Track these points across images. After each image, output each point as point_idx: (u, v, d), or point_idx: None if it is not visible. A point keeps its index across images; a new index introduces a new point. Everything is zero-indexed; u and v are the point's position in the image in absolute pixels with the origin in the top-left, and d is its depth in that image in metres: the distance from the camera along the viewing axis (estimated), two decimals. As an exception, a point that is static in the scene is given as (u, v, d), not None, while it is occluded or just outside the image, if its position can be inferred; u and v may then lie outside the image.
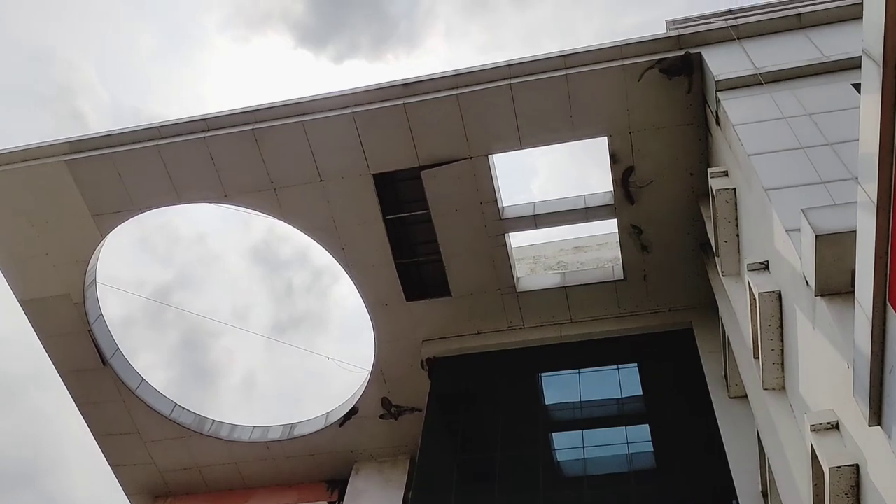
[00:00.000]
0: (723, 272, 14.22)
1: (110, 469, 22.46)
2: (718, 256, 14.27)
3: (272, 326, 47.97)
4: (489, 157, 17.30)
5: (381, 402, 20.77)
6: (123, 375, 21.13)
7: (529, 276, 20.85)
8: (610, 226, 18.72)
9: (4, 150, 18.41)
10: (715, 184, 13.77)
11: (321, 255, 38.00)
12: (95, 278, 20.11)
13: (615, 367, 18.54)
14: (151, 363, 48.49)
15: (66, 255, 19.11)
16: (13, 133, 54.01)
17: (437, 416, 19.47)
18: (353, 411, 21.00)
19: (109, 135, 17.81)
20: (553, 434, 18.47)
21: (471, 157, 17.16)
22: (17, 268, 19.41)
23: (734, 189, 13.40)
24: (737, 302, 13.39)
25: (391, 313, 19.40)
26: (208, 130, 17.41)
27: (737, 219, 13.53)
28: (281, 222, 18.57)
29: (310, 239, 18.69)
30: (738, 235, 13.63)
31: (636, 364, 18.67)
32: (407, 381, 20.32)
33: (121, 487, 22.82)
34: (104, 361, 20.66)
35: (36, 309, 19.91)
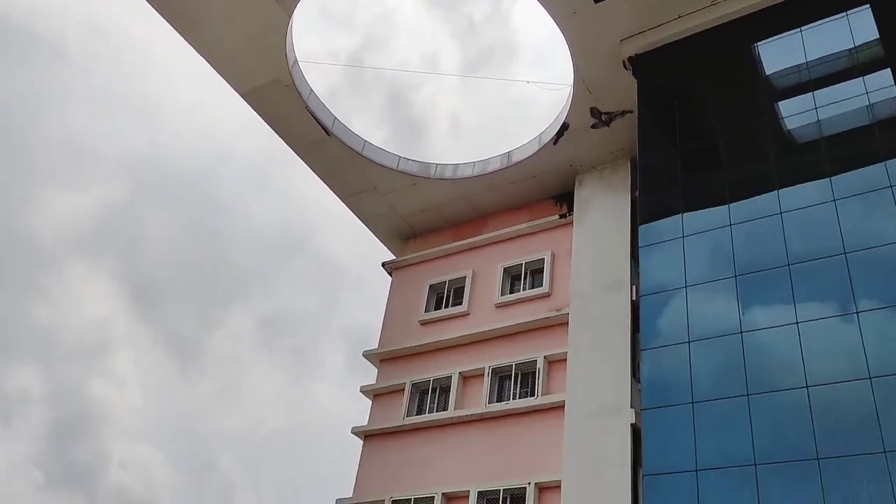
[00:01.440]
0: None
1: (362, 224, 25.19)
2: None
3: (465, 66, 48.08)
4: None
5: (589, 112, 20.65)
6: (347, 141, 22.82)
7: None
8: None
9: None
10: None
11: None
12: (296, 58, 21.14)
13: (843, 13, 16.62)
14: (366, 125, 51.43)
15: (263, 42, 20.10)
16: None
17: (649, 113, 19.10)
18: (564, 127, 21.18)
19: None
20: (779, 103, 17.45)
21: None
22: (227, 65, 20.86)
23: None
24: None
25: (581, 20, 18.55)
26: None
27: None
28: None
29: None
30: None
31: (868, 5, 16.59)
32: (611, 86, 19.87)
33: (375, 237, 25.67)
34: (327, 132, 22.34)
35: (256, 98, 21.60)
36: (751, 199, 17.22)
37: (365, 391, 22.41)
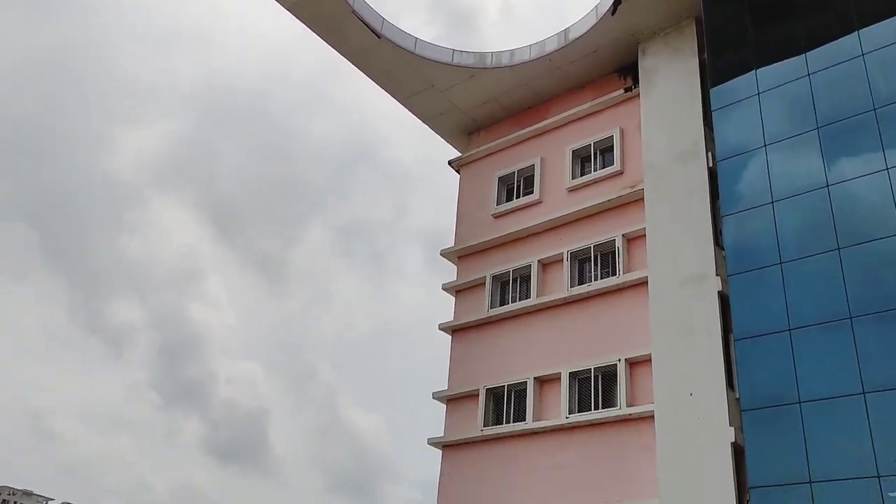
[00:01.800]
0: None
1: (423, 124, 25.00)
2: None
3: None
4: None
5: (646, -25, 19.54)
6: (399, 41, 22.39)
7: None
8: None
9: None
10: None
11: None
12: (335, -40, 20.60)
13: None
14: (415, 23, 50.21)
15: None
16: None
17: (712, -33, 17.95)
18: (621, -5, 20.16)
19: None
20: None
21: None
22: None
23: None
24: None
25: None
26: None
27: None
28: None
29: None
30: None
31: None
32: (668, -58, 18.66)
33: (438, 136, 25.49)
34: (377, 35, 21.93)
35: (303, 10, 21.29)
36: (829, 44, 16.27)
37: (447, 288, 22.83)
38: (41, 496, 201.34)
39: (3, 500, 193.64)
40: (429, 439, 20.75)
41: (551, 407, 18.78)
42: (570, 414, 18.17)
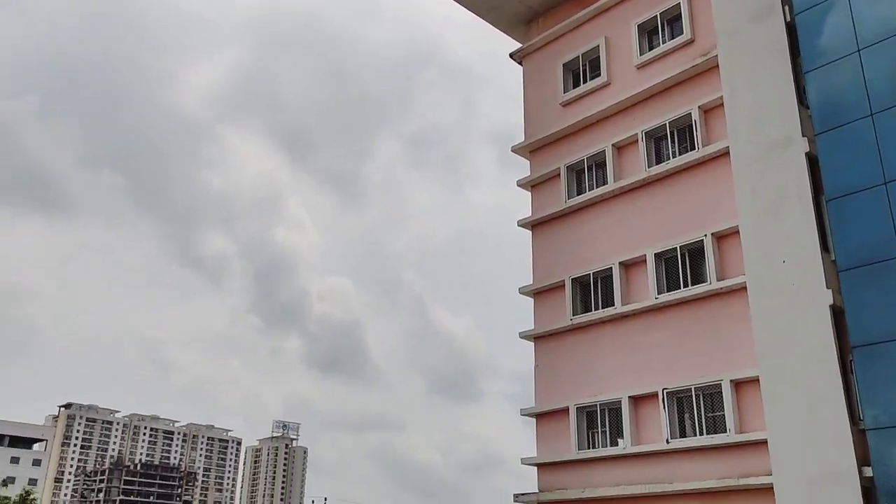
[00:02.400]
0: None
1: (479, 19, 24.28)
2: None
3: None
4: None
5: None
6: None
7: None
8: None
9: None
10: None
11: None
12: None
13: None
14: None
15: None
16: None
17: None
18: None
19: None
20: None
21: None
22: None
23: None
24: None
25: None
26: None
27: None
28: None
29: None
30: None
31: None
32: None
33: (496, 30, 24.76)
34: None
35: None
36: None
37: (522, 184, 22.66)
38: (167, 419, 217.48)
39: (135, 426, 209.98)
40: (520, 333, 21.12)
41: (639, 290, 18.73)
42: (658, 295, 18.09)
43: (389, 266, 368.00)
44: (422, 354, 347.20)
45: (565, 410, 19.31)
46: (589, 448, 18.76)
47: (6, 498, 33.86)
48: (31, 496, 35.06)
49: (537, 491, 19.36)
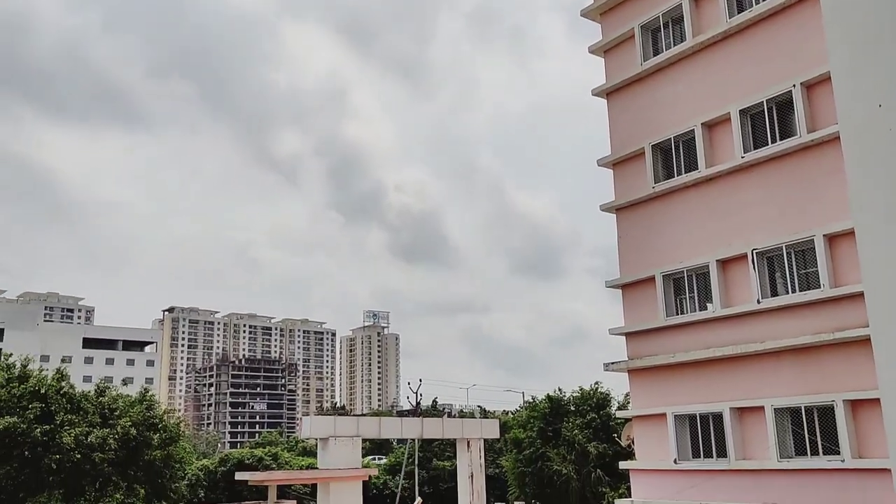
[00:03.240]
0: None
1: None
2: None
3: None
4: None
5: None
6: None
7: None
8: None
9: None
10: None
11: None
12: None
13: None
14: None
15: None
16: None
17: None
18: None
19: None
20: None
21: None
22: None
23: None
24: None
25: None
26: None
27: None
28: None
29: None
30: None
31: None
32: None
33: None
34: None
35: None
36: None
37: (594, 50, 21.73)
38: (264, 316, 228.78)
39: (234, 325, 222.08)
40: (601, 205, 20.84)
41: (723, 150, 18.05)
42: (745, 153, 17.40)
43: (463, 150, 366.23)
44: (503, 236, 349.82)
45: (651, 279, 19.20)
46: (677, 314, 18.72)
47: (128, 395, 36.67)
48: (150, 393, 37.87)
49: (627, 359, 19.61)
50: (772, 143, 16.96)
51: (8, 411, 30.33)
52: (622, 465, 20.58)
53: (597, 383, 45.99)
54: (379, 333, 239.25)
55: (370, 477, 43.77)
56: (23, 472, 29.90)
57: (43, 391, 31.79)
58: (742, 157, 17.38)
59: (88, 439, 30.98)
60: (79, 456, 30.48)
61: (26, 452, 29.76)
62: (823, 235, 15.72)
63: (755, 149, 17.30)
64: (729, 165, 17.67)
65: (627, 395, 24.94)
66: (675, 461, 18.02)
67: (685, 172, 18.73)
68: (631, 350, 19.67)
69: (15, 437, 29.57)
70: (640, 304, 19.55)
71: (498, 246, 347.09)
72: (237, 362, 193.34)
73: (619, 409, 35.49)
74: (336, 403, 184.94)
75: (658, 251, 19.20)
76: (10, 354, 35.67)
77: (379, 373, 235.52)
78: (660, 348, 18.79)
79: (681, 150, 18.99)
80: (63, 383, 33.28)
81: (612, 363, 20.00)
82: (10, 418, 29.63)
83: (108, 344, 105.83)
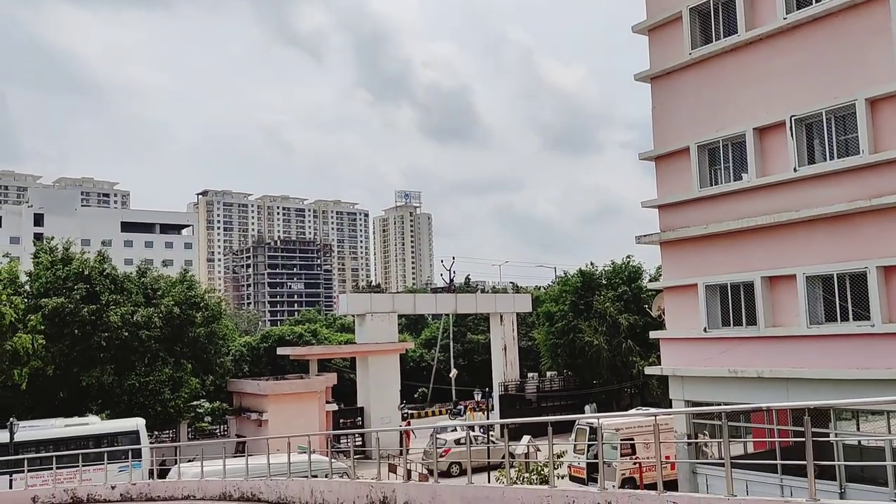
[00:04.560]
0: None
1: None
2: None
3: None
4: None
5: None
6: None
7: None
8: None
9: None
10: None
11: None
12: None
13: None
14: None
15: None
16: None
17: None
18: None
19: None
20: None
21: None
22: None
23: None
24: None
25: None
26: None
27: None
28: None
29: None
30: None
31: None
32: None
33: None
34: None
35: None
36: None
37: None
38: (297, 198, 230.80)
39: (268, 207, 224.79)
40: (635, 75, 20.19)
41: (764, 11, 17.18)
42: (787, 14, 16.54)
43: (491, 23, 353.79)
44: (534, 112, 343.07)
45: (685, 150, 18.82)
46: (711, 185, 18.45)
47: (169, 276, 37.81)
48: (189, 273, 39.01)
49: (659, 231, 19.54)
50: (815, 2, 16.07)
51: (55, 292, 31.57)
52: (652, 334, 20.95)
53: (628, 257, 46.29)
54: (411, 213, 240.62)
55: (406, 350, 45.34)
56: (74, 349, 31.43)
57: (87, 273, 32.88)
58: (784, 19, 16.54)
59: (134, 318, 32.27)
60: (126, 334, 31.86)
61: (76, 331, 31.17)
62: (865, 99, 15.14)
63: (798, 9, 16.43)
64: (770, 28, 16.86)
65: (659, 267, 25.05)
66: (704, 329, 18.27)
67: (724, 37, 17.94)
68: (663, 222, 19.56)
69: (64, 316, 30.90)
70: (674, 176, 19.26)
71: (529, 121, 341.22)
72: (273, 244, 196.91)
73: (650, 281, 35.72)
74: (371, 282, 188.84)
75: (693, 121, 18.71)
76: (52, 238, 36.70)
77: (412, 252, 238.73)
78: (693, 220, 18.65)
79: (720, 13, 18.11)
80: (105, 265, 34.34)
81: (645, 235, 19.97)
82: (57, 299, 30.87)
83: (146, 227, 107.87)
